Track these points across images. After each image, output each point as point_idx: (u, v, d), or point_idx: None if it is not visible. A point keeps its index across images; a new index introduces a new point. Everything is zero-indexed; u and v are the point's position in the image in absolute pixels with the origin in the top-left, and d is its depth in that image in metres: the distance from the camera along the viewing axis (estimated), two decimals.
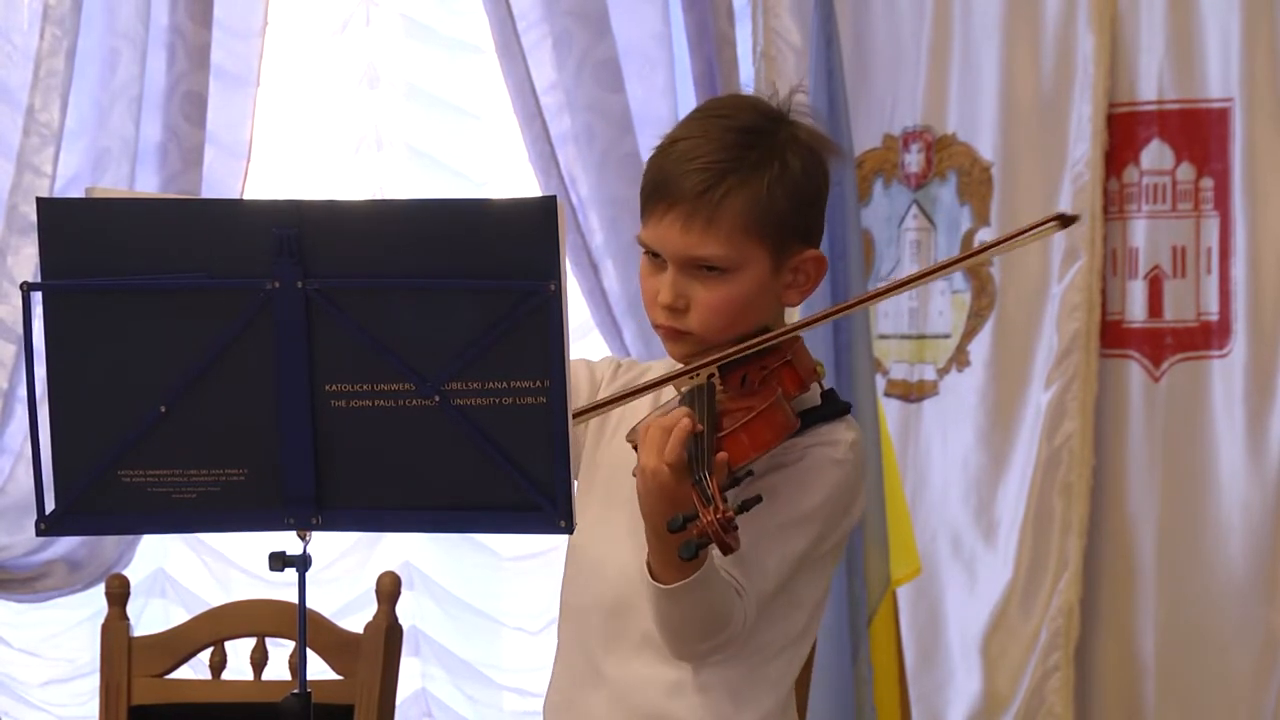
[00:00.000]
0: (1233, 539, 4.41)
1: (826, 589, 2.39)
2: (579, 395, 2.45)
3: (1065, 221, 2.30)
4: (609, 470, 2.42)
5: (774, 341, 2.29)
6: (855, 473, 2.35)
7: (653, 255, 2.36)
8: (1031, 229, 2.31)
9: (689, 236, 2.31)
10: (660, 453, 2.14)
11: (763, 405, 2.20)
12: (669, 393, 2.36)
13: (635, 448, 2.21)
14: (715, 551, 2.17)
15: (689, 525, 2.07)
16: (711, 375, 2.27)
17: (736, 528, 2.07)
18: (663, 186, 2.33)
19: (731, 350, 2.28)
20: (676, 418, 2.16)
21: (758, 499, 2.12)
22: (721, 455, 2.14)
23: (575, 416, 2.31)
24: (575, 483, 2.42)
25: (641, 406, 2.39)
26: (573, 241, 4.47)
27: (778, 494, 2.27)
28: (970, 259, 2.35)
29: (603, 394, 2.45)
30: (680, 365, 2.34)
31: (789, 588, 2.31)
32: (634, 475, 2.20)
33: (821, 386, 2.36)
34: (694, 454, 2.13)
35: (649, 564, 2.22)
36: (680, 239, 2.31)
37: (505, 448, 2.08)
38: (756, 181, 2.31)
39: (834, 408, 2.36)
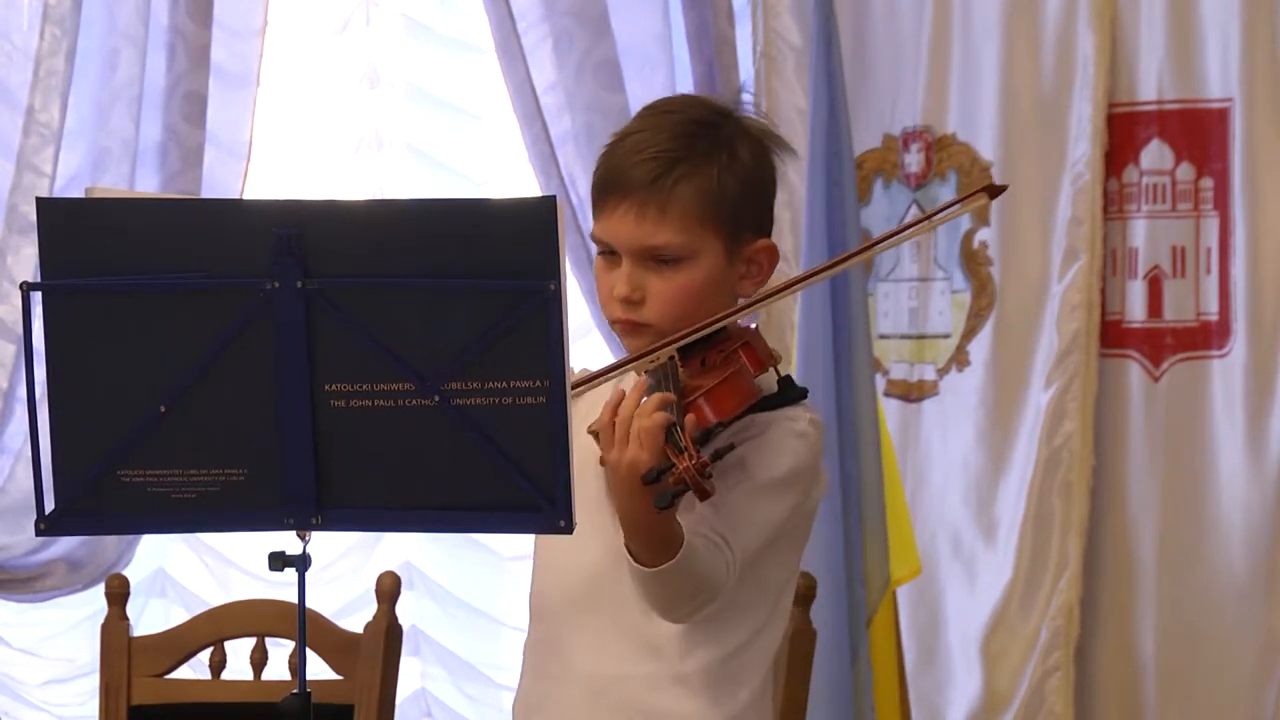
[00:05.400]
0: (1233, 539, 4.41)
1: (790, 576, 2.38)
2: None
3: (993, 192, 2.33)
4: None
5: (728, 321, 2.30)
6: (819, 448, 2.35)
7: (607, 253, 2.37)
8: (961, 200, 2.35)
9: (643, 226, 2.32)
10: (637, 440, 2.13)
11: (726, 373, 2.23)
12: (629, 382, 2.34)
13: (596, 438, 2.21)
14: (693, 522, 2.19)
15: (664, 476, 2.08)
16: (672, 356, 2.28)
17: (711, 475, 2.09)
18: (614, 179, 2.35)
19: (688, 330, 2.29)
20: (648, 409, 2.14)
21: (730, 447, 2.14)
22: (690, 417, 2.16)
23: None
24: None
25: (601, 400, 2.35)
26: (572, 241, 4.47)
27: (746, 464, 2.28)
28: (900, 236, 2.41)
29: None
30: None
31: (756, 570, 2.30)
32: (600, 465, 2.20)
33: (778, 373, 2.37)
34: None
35: (629, 549, 2.20)
36: (634, 229, 2.32)
37: (505, 448, 2.07)
38: (707, 169, 2.33)
39: (790, 394, 2.37)
